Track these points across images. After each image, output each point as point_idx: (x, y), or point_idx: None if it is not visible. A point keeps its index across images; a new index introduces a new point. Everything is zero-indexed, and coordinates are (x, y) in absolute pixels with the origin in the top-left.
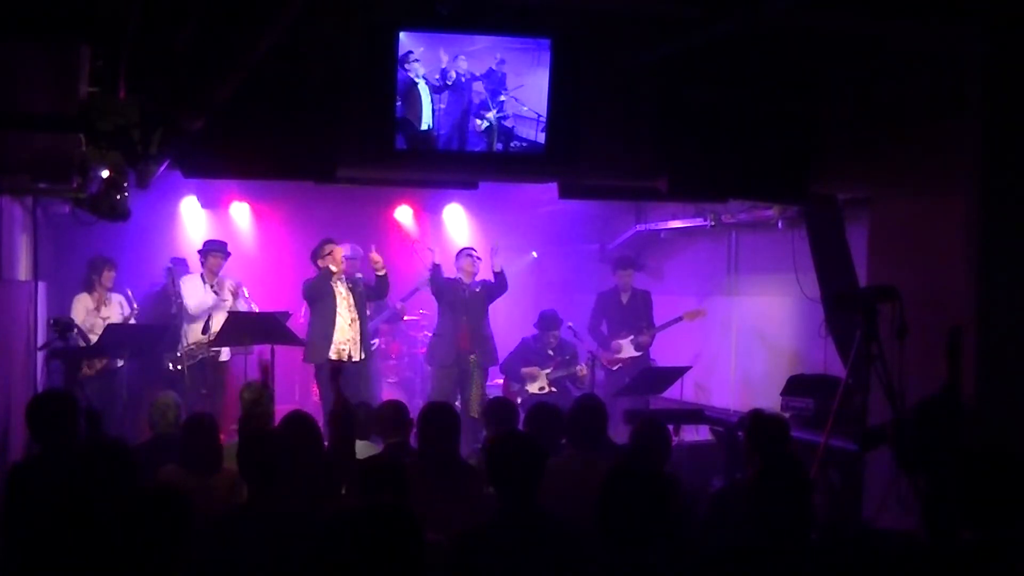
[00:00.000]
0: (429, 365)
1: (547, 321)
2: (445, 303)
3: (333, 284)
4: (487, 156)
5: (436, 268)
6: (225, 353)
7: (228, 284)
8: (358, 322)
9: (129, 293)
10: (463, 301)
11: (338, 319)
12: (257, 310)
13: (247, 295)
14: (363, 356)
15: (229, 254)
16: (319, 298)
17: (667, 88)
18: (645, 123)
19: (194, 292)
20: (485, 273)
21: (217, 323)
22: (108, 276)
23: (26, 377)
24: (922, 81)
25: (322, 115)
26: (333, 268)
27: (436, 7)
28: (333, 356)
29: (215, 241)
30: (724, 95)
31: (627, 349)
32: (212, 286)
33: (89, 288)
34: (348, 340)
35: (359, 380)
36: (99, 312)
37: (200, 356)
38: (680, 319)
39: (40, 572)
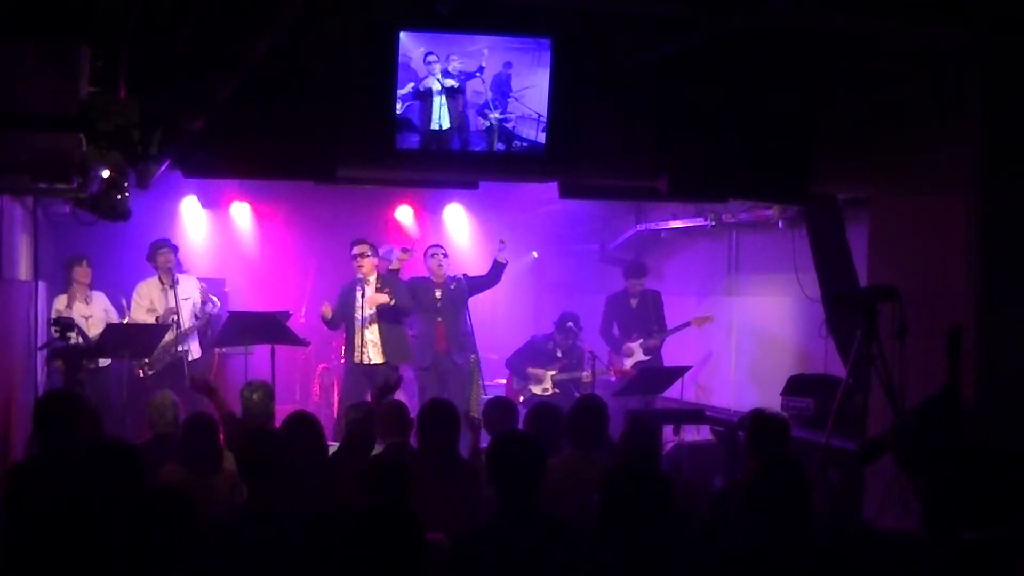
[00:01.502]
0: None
1: (567, 327)
2: (419, 304)
3: (357, 287)
4: (488, 156)
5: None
6: (195, 351)
7: (194, 285)
8: (377, 324)
9: (123, 301)
10: (435, 301)
11: (355, 322)
12: (218, 305)
13: (213, 298)
14: (385, 358)
15: (176, 248)
16: (344, 302)
17: (667, 88)
18: (645, 123)
19: (149, 297)
20: (470, 268)
21: (184, 322)
22: (82, 272)
23: (26, 377)
24: (922, 81)
25: (322, 115)
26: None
27: (436, 7)
28: (355, 360)
29: (158, 240)
30: (724, 95)
31: (637, 353)
32: (169, 285)
33: (66, 286)
34: (368, 343)
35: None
36: (75, 309)
37: (169, 358)
38: (688, 324)
39: (41, 572)
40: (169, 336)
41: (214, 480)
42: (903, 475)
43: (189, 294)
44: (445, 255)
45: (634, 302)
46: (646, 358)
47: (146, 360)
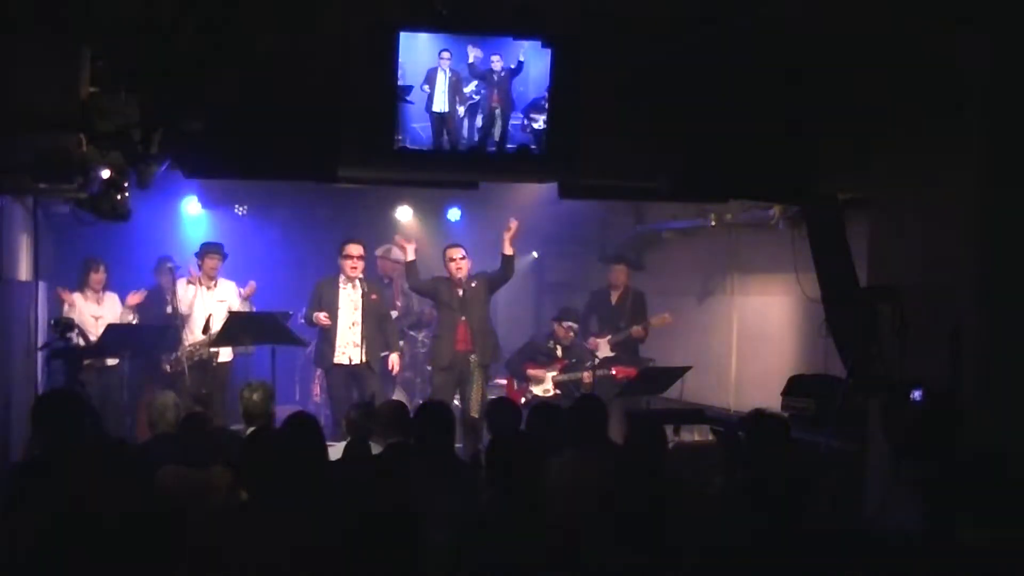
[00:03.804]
0: (429, 367)
1: (566, 310)
2: (441, 303)
3: (341, 285)
4: (488, 156)
5: (409, 265)
6: (225, 353)
7: (232, 290)
8: (360, 325)
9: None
10: (458, 299)
11: (339, 322)
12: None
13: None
14: (365, 359)
15: (226, 255)
16: (325, 300)
17: (667, 88)
18: (645, 123)
19: (186, 295)
20: (481, 264)
21: (217, 324)
22: (97, 277)
23: (26, 377)
24: (922, 81)
25: (322, 115)
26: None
27: (436, 7)
28: (335, 360)
29: (211, 243)
30: (724, 95)
31: (603, 348)
32: (208, 288)
33: (80, 287)
34: (349, 343)
35: (370, 382)
36: (86, 309)
37: (198, 357)
38: (629, 334)
39: (41, 572)
40: (202, 337)
41: (214, 475)
42: (903, 475)
43: (225, 297)
44: (463, 257)
45: (614, 296)
46: (611, 355)
47: (174, 356)
